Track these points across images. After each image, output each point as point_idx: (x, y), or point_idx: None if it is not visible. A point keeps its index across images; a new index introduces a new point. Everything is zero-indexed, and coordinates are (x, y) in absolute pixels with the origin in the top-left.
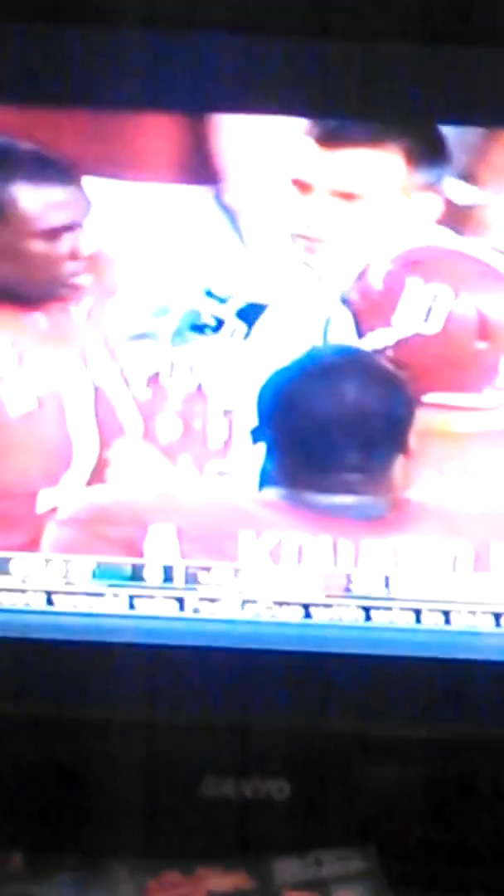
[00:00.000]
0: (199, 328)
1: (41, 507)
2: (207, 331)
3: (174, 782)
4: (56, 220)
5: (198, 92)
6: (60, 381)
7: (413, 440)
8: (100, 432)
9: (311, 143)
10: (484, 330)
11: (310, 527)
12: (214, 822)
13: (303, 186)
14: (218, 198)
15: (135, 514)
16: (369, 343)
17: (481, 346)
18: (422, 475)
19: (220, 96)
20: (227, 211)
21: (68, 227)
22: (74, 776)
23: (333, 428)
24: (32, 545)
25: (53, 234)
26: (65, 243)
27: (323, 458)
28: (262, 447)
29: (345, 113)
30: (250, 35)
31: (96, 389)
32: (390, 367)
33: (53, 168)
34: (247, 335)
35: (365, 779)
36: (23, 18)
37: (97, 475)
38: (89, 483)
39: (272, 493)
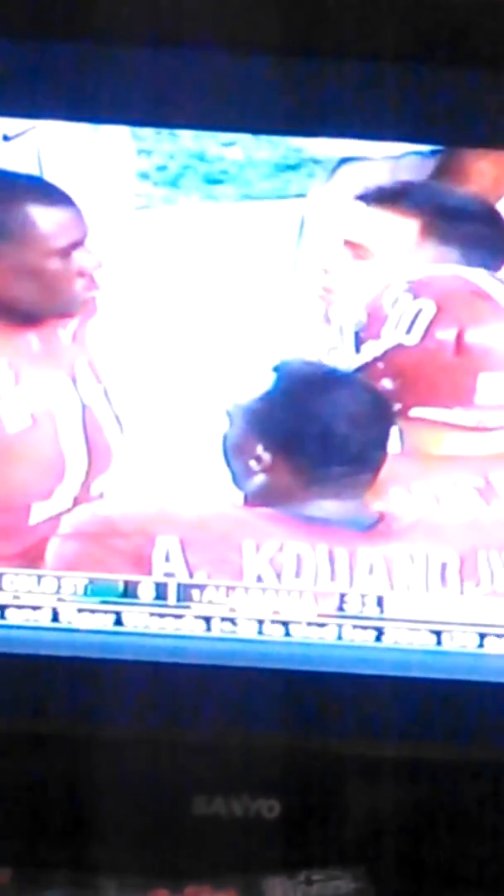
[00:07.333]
0: None
1: (34, 519)
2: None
3: (164, 800)
4: (65, 239)
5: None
6: (52, 400)
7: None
8: (88, 448)
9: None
10: (460, 345)
11: (306, 537)
12: (204, 841)
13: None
14: None
15: (141, 525)
16: (364, 355)
17: (457, 360)
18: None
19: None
20: None
21: (76, 245)
22: (64, 793)
23: (322, 440)
24: (24, 556)
25: (65, 252)
26: (74, 261)
27: (313, 469)
28: (250, 461)
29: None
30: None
31: (84, 408)
32: (367, 380)
33: (57, 192)
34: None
35: (356, 798)
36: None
37: (86, 489)
38: (78, 496)
39: (266, 507)
